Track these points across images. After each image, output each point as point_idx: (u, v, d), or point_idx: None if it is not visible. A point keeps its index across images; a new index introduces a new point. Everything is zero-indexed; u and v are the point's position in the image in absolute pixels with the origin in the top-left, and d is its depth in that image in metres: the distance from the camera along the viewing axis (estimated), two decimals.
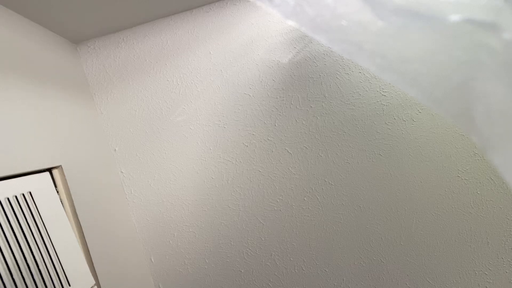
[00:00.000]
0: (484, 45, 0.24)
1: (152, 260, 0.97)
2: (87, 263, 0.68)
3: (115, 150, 0.96)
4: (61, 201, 0.66)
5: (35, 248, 0.55)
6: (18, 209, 0.54)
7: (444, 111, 0.26)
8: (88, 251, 0.69)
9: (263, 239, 0.94)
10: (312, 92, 0.90)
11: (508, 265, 0.87)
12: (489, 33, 0.23)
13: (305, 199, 0.92)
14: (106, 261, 0.75)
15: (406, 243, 0.90)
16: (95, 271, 0.69)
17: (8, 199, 0.52)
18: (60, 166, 0.68)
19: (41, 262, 0.55)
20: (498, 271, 0.87)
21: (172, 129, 0.94)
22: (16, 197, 0.54)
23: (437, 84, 0.26)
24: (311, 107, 0.90)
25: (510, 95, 0.23)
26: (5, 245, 0.49)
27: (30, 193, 0.57)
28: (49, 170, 0.66)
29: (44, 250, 0.57)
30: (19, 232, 0.53)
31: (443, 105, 0.26)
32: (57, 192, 0.66)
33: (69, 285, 0.59)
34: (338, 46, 0.28)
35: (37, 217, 0.58)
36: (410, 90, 0.26)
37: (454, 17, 0.24)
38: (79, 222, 0.69)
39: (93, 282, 0.67)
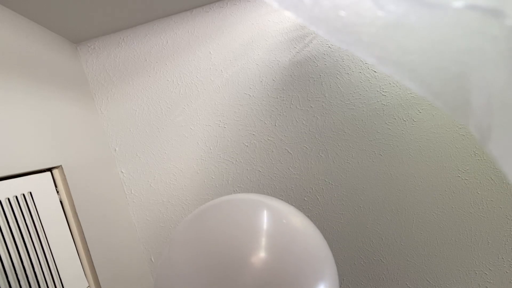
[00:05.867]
0: (486, 32, 0.23)
1: (152, 259, 0.97)
2: (87, 262, 0.69)
3: (115, 150, 0.96)
4: (61, 201, 0.66)
5: (32, 249, 0.55)
6: (18, 210, 0.54)
7: (443, 103, 0.25)
8: (88, 250, 0.69)
9: None
10: (312, 92, 0.90)
11: (509, 265, 0.87)
12: (491, 19, 0.23)
13: (305, 199, 0.92)
14: (106, 260, 0.75)
15: (406, 243, 0.90)
16: (95, 271, 0.69)
17: (8, 199, 0.52)
18: (60, 166, 0.68)
19: (36, 263, 0.55)
20: (498, 271, 0.87)
21: (172, 129, 0.94)
22: (16, 197, 0.54)
23: (436, 75, 0.25)
24: (311, 107, 0.90)
25: (511, 83, 0.23)
26: (2, 246, 0.49)
27: (30, 193, 0.57)
28: (50, 170, 0.66)
29: (41, 252, 0.57)
30: (18, 233, 0.53)
31: (442, 97, 0.25)
32: (57, 192, 0.66)
33: (62, 287, 0.59)
34: (336, 37, 0.28)
35: (36, 218, 0.58)
36: (409, 82, 0.26)
37: (457, 3, 0.23)
38: (79, 222, 0.69)
39: (87, 284, 0.67)
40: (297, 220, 0.47)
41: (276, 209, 0.47)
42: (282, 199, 0.51)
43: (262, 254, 0.39)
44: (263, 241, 0.40)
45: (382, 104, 0.88)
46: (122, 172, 0.96)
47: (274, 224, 0.44)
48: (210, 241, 0.41)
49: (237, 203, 0.48)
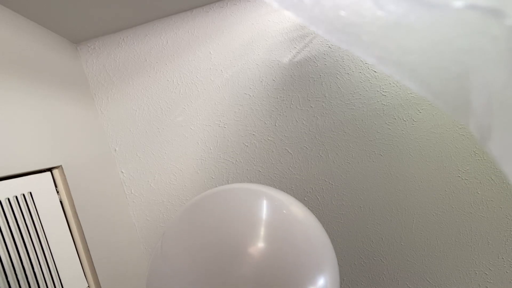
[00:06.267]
0: (486, 32, 0.23)
1: None
2: (87, 262, 0.69)
3: (115, 150, 0.96)
4: (61, 201, 0.66)
5: (31, 249, 0.55)
6: (17, 210, 0.54)
7: (443, 103, 0.25)
8: (88, 250, 0.69)
9: None
10: (312, 92, 0.90)
11: (509, 265, 0.87)
12: (491, 19, 0.23)
13: (305, 199, 0.92)
14: (106, 260, 0.75)
15: (406, 243, 0.90)
16: (95, 271, 0.69)
17: (8, 199, 0.52)
18: (60, 166, 0.68)
19: (36, 263, 0.55)
20: (499, 271, 0.87)
21: (172, 129, 0.94)
22: (16, 197, 0.54)
23: (436, 75, 0.25)
24: (312, 107, 0.90)
25: (510, 83, 0.23)
26: (2, 246, 0.49)
27: (30, 193, 0.57)
28: (50, 170, 0.66)
29: (41, 252, 0.57)
30: (17, 234, 0.53)
31: (442, 97, 0.25)
32: (57, 192, 0.66)
33: (62, 287, 0.59)
34: (336, 37, 0.27)
35: (36, 218, 0.58)
36: (409, 82, 0.26)
37: (457, 3, 0.23)
38: (79, 222, 0.69)
39: (86, 285, 0.67)
40: (297, 210, 0.46)
41: (276, 199, 0.46)
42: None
43: (261, 245, 0.38)
44: (262, 231, 0.39)
45: (382, 104, 0.88)
46: (122, 172, 0.96)
47: (273, 214, 0.43)
48: (206, 232, 0.39)
49: (235, 192, 0.47)
